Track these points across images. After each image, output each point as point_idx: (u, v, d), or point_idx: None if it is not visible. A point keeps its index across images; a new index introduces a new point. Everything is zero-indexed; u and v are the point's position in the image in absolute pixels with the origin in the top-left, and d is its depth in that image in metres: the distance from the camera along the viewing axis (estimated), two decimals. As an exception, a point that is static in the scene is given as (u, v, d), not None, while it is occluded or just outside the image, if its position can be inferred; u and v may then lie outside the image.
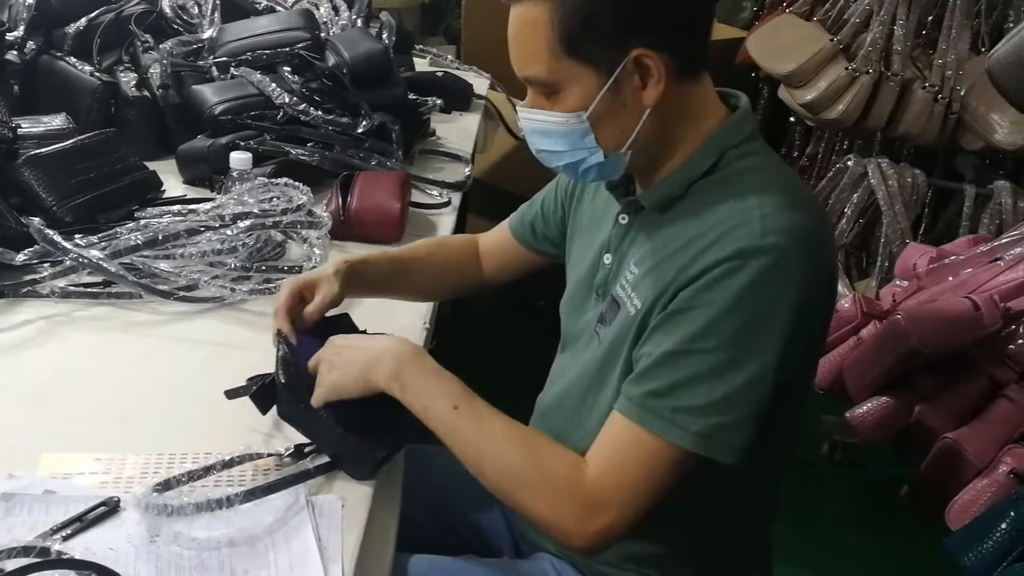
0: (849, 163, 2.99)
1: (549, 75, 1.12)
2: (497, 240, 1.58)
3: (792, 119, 3.59)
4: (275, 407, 1.28)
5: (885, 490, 2.74)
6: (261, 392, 1.27)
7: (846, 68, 3.00)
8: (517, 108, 1.21)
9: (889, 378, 2.01)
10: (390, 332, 1.46)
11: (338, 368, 1.20)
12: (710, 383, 1.06)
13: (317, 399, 1.21)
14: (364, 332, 1.35)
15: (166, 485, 1.13)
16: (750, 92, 3.79)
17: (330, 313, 1.35)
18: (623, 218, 1.25)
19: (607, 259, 1.26)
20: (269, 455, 1.22)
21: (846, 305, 2.15)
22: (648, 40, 1.09)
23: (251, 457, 1.21)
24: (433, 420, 1.16)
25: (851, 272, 3.02)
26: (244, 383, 1.29)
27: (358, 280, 1.40)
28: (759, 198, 1.09)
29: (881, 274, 2.85)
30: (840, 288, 2.89)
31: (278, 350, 1.28)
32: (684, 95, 1.14)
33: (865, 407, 2.06)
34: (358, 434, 1.20)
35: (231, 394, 1.28)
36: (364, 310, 1.54)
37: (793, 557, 2.50)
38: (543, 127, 1.17)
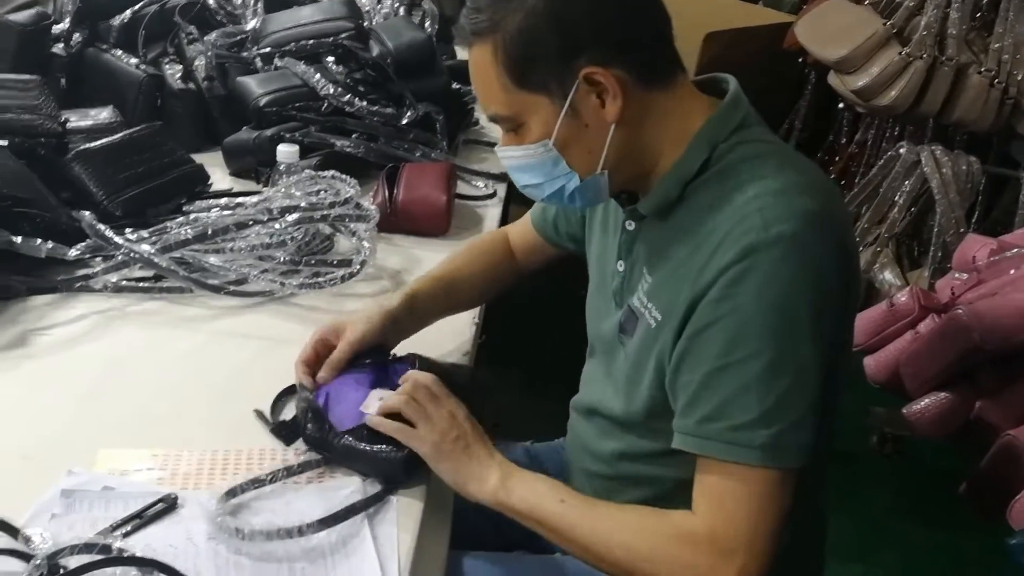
0: (901, 151, 2.93)
1: (508, 110, 1.12)
2: (523, 233, 1.56)
3: (841, 105, 3.53)
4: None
5: (936, 483, 2.71)
6: (283, 427, 1.26)
7: (899, 53, 2.93)
8: (496, 150, 1.21)
9: (949, 374, 1.96)
10: (436, 327, 1.46)
11: (449, 451, 1.16)
12: (759, 391, 1.02)
13: (405, 438, 1.17)
14: (395, 357, 1.34)
15: (231, 493, 1.12)
16: (797, 78, 3.75)
17: None
18: (629, 224, 1.21)
19: (620, 266, 1.23)
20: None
21: (903, 299, 2.10)
22: (594, 59, 1.06)
23: (315, 464, 1.20)
24: (543, 517, 1.12)
25: (903, 262, 2.96)
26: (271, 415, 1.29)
27: (411, 315, 1.39)
28: (755, 189, 1.06)
29: (934, 264, 2.79)
30: (891, 278, 2.85)
31: (300, 397, 1.26)
32: (654, 103, 1.11)
33: (923, 403, 2.01)
34: (382, 442, 1.19)
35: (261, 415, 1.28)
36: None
37: (842, 549, 2.47)
38: (518, 163, 1.15)
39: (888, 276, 2.85)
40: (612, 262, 1.25)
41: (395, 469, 1.17)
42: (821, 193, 1.09)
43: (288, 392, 1.32)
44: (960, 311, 1.89)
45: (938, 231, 2.82)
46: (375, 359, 1.32)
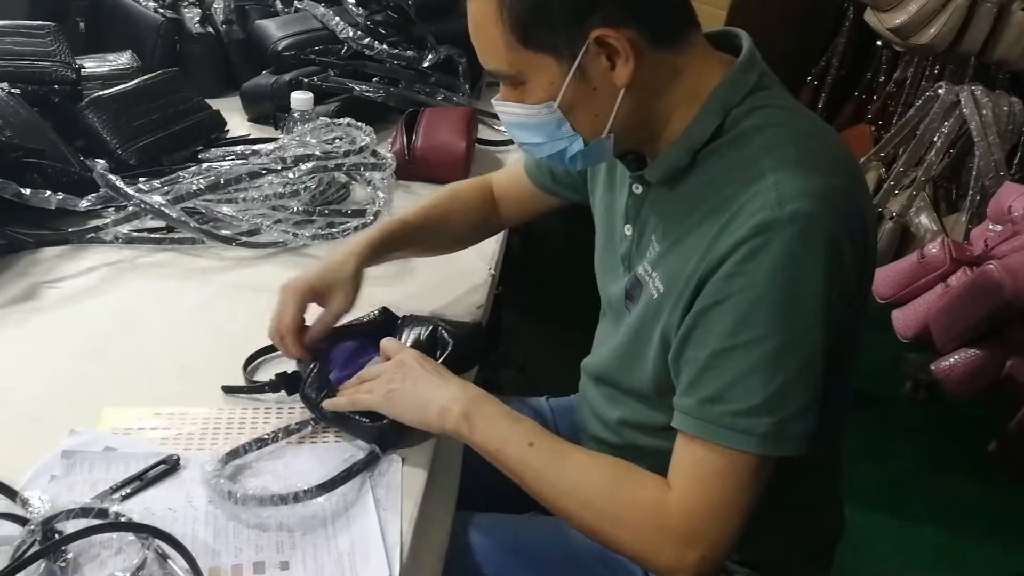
0: (940, 91, 2.84)
1: (510, 68, 1.05)
2: (512, 182, 1.49)
3: (879, 43, 3.43)
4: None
5: (970, 433, 2.68)
6: (285, 379, 1.25)
7: (939, -11, 2.84)
8: (492, 101, 1.14)
9: (979, 330, 1.90)
10: (452, 279, 1.43)
11: (398, 390, 1.16)
12: (764, 376, 0.98)
13: (360, 403, 1.17)
14: (403, 318, 1.33)
15: (233, 454, 1.12)
16: (833, 14, 3.65)
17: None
18: (636, 188, 1.16)
19: (627, 230, 1.19)
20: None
21: (934, 250, 2.04)
22: (607, 18, 0.99)
23: (314, 422, 1.20)
24: (508, 460, 1.09)
25: (939, 206, 2.88)
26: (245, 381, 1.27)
27: (376, 257, 1.34)
28: (771, 160, 1.00)
29: (972, 208, 2.71)
30: (927, 222, 2.78)
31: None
32: (666, 65, 1.04)
33: (952, 359, 1.96)
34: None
35: (229, 390, 1.26)
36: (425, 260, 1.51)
37: (866, 497, 2.47)
38: (518, 120, 1.09)
39: (924, 220, 2.78)
40: (619, 224, 1.21)
41: (374, 436, 1.16)
42: (840, 168, 1.04)
43: (262, 353, 1.31)
44: (991, 266, 1.83)
45: (976, 174, 2.74)
46: (378, 324, 1.33)
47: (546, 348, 2.67)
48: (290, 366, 1.26)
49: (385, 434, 1.17)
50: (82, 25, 2.09)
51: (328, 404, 1.18)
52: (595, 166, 1.29)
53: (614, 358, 1.22)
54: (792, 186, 0.97)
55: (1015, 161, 2.94)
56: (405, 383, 1.16)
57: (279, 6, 2.18)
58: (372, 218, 1.62)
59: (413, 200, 1.77)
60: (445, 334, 1.29)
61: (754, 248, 0.97)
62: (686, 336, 1.04)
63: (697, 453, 1.02)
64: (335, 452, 1.16)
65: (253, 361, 1.31)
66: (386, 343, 1.24)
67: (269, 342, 1.28)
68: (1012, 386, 1.90)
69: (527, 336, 2.80)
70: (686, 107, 1.06)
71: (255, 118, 2.02)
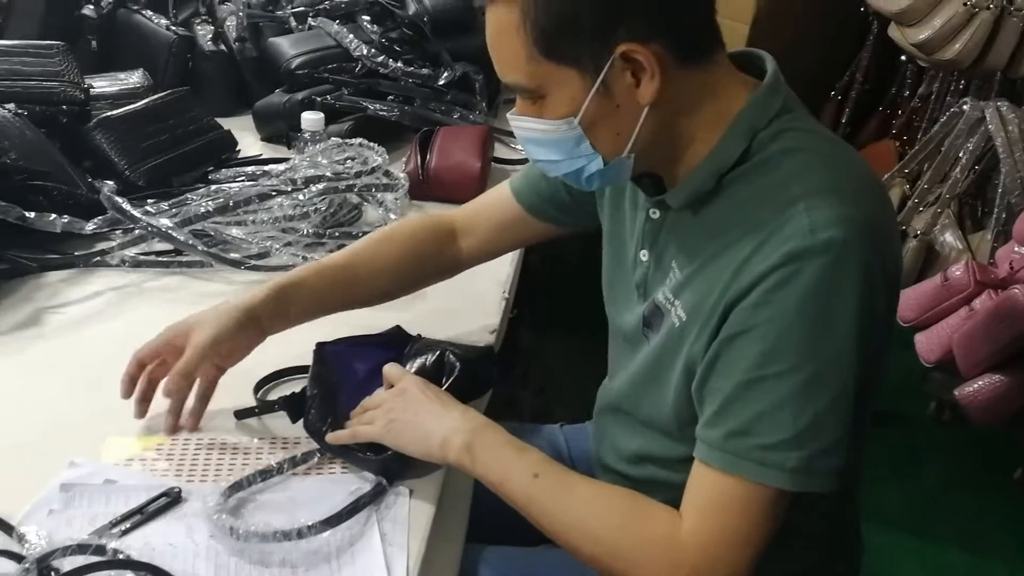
0: (965, 107, 2.78)
1: (530, 81, 1.00)
2: (487, 211, 1.38)
3: (904, 57, 3.38)
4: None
5: (997, 455, 2.62)
6: (291, 401, 1.22)
7: (964, 3, 2.78)
8: (508, 116, 1.09)
9: (1004, 355, 1.84)
10: (464, 304, 1.39)
11: (399, 421, 1.12)
12: (794, 409, 0.94)
13: (361, 436, 1.14)
14: (413, 340, 1.29)
15: (236, 487, 1.09)
16: (859, 28, 3.60)
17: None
18: (654, 212, 1.11)
19: (643, 256, 1.14)
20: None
21: (958, 273, 1.98)
22: (634, 33, 0.95)
23: (319, 453, 1.16)
24: (512, 492, 1.06)
25: (964, 223, 2.82)
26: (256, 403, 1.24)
27: (279, 311, 1.23)
28: (802, 187, 0.96)
29: (998, 227, 2.66)
30: (952, 240, 2.73)
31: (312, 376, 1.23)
32: (691, 83, 1.00)
33: (976, 385, 1.90)
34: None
35: (241, 415, 1.22)
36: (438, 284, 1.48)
37: (890, 518, 2.41)
38: (534, 136, 1.04)
39: (949, 238, 2.73)
40: (632, 248, 1.17)
41: (379, 468, 1.13)
42: (869, 193, 1.00)
43: (274, 377, 1.28)
44: (1017, 291, 1.78)
45: (1002, 192, 2.68)
46: (391, 339, 1.30)
47: (566, 368, 2.63)
48: (298, 388, 1.23)
49: (390, 466, 1.13)
50: (94, 43, 2.08)
51: (331, 438, 1.15)
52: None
53: (632, 387, 1.18)
54: (825, 213, 0.93)
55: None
56: (406, 413, 1.13)
57: (293, 23, 2.16)
58: (384, 240, 1.59)
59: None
60: (453, 359, 1.25)
61: (785, 276, 0.93)
62: (711, 364, 0.99)
63: (718, 485, 0.98)
64: (341, 484, 1.13)
65: (264, 385, 1.28)
66: (388, 370, 1.21)
67: (280, 367, 1.26)
68: (1039, 415, 1.84)
69: (546, 356, 2.76)
70: (710, 129, 1.02)
71: (268, 137, 2.00)
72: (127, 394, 1.19)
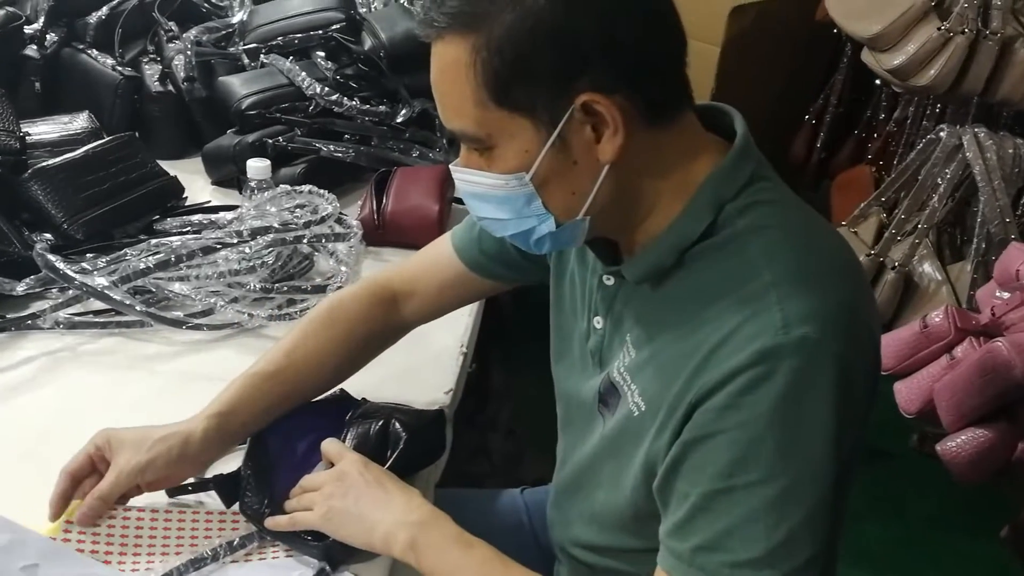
0: (942, 134, 2.72)
1: (478, 129, 0.90)
2: (426, 271, 1.29)
3: (878, 81, 3.33)
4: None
5: (983, 489, 2.53)
6: (225, 482, 1.14)
7: (938, 28, 2.71)
8: (451, 167, 0.98)
9: (987, 409, 1.77)
10: (418, 361, 1.35)
11: (337, 509, 1.04)
12: (766, 525, 0.85)
13: (300, 523, 1.06)
14: (356, 406, 1.21)
15: None
16: (833, 52, 3.55)
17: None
18: (607, 279, 1.03)
19: (597, 323, 1.05)
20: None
21: (937, 319, 1.91)
22: (597, 82, 0.86)
23: (259, 537, 1.09)
24: None
25: (943, 253, 2.76)
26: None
27: (222, 433, 1.13)
28: (772, 272, 0.88)
29: (977, 257, 2.59)
30: (931, 271, 2.66)
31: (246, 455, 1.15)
32: (657, 143, 0.92)
33: (959, 439, 1.83)
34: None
35: (172, 493, 1.14)
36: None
37: (874, 557, 2.35)
38: (479, 191, 0.95)
39: (928, 269, 2.66)
40: (583, 312, 1.08)
41: (322, 555, 1.06)
42: (845, 275, 0.93)
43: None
44: (1000, 343, 1.70)
45: (982, 221, 2.62)
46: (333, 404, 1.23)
47: (538, 408, 2.56)
48: (230, 467, 1.15)
49: (332, 553, 1.06)
50: (38, 85, 1.98)
51: (270, 523, 1.08)
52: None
53: (585, 470, 1.10)
54: (797, 305, 0.85)
55: (1022, 203, 2.83)
56: (346, 500, 1.04)
57: (245, 60, 2.07)
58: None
59: (383, 268, 1.67)
60: (399, 427, 1.16)
61: (755, 379, 0.84)
62: (674, 467, 0.91)
63: None
64: (282, 570, 1.05)
65: None
66: (327, 447, 1.12)
67: None
68: (1024, 471, 1.77)
69: (519, 394, 2.68)
70: (674, 196, 0.93)
71: (219, 181, 1.92)
72: (56, 517, 1.07)
